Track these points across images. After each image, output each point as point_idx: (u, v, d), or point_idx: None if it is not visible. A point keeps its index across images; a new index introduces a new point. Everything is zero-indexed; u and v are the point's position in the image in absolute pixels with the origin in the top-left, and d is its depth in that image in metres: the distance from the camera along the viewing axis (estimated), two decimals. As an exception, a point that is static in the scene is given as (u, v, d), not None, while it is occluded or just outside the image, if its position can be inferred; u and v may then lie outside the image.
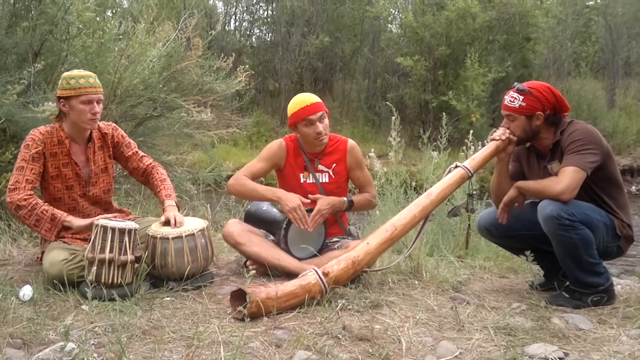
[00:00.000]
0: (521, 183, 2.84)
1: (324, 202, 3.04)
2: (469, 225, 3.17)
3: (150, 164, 3.12)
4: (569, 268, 2.79)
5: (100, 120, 2.97)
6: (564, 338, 2.35)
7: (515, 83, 2.90)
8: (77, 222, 2.78)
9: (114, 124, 3.10)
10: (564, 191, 2.63)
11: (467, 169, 2.91)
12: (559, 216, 2.64)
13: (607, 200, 2.79)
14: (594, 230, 2.67)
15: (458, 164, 2.96)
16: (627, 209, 2.84)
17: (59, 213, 2.76)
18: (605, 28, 17.30)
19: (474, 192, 3.10)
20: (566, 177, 2.65)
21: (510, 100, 2.85)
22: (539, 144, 2.90)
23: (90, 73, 2.87)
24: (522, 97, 2.81)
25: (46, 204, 2.78)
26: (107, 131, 3.03)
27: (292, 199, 2.98)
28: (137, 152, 3.12)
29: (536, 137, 2.87)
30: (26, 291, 2.52)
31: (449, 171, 2.97)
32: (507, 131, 2.88)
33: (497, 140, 2.89)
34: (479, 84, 13.12)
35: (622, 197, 2.83)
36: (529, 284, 3.12)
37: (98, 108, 2.84)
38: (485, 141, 3.99)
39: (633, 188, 12.38)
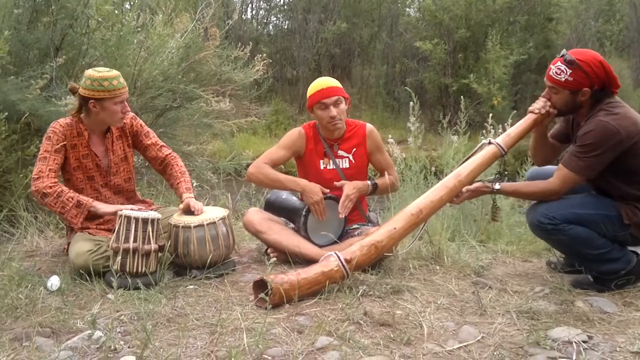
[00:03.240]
0: (506, 187, 2.78)
1: (351, 187, 3.05)
2: (495, 197, 2.99)
3: (170, 154, 3.15)
4: (579, 262, 2.77)
5: None
6: (588, 321, 2.33)
7: (564, 51, 2.64)
8: (103, 207, 2.82)
9: (132, 114, 3.13)
10: (551, 193, 2.63)
11: (501, 147, 2.77)
12: (540, 222, 2.61)
13: (623, 187, 2.63)
14: (588, 225, 2.58)
15: (492, 140, 2.82)
16: None
17: (84, 199, 2.80)
18: (630, 5, 16.94)
19: (505, 172, 2.92)
20: (558, 180, 2.62)
21: (556, 72, 2.61)
22: (578, 115, 2.73)
23: (117, 72, 2.88)
24: (570, 71, 2.57)
25: (72, 190, 2.82)
26: (125, 121, 3.06)
27: (316, 191, 3.00)
28: (156, 141, 3.14)
29: (578, 111, 2.70)
30: (54, 281, 2.58)
31: (480, 146, 2.85)
32: (548, 103, 2.72)
33: (537, 113, 2.74)
34: (501, 67, 12.95)
35: None
36: (546, 263, 3.09)
37: (128, 106, 2.91)
38: (506, 124, 3.95)
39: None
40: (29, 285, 2.51)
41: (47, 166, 2.80)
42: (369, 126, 3.26)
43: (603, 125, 2.52)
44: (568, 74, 2.58)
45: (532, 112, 2.77)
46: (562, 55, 2.62)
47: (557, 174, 2.64)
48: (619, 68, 14.64)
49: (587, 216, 2.58)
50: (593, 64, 2.57)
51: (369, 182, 3.17)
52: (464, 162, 2.88)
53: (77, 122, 2.93)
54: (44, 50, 4.27)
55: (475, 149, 2.89)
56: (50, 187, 2.75)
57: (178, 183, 3.05)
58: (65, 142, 2.87)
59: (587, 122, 2.60)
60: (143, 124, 3.15)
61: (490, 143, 2.81)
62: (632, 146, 2.52)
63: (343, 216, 3.02)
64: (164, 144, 3.19)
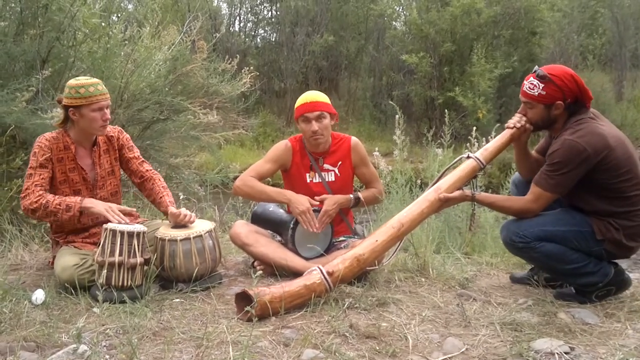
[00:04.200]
0: (484, 197, 2.83)
1: (330, 202, 3.07)
2: (474, 207, 3.02)
3: (151, 170, 3.16)
4: (556, 277, 2.83)
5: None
6: (570, 333, 2.36)
7: (536, 67, 2.70)
8: (93, 205, 2.78)
9: (119, 128, 3.14)
10: (527, 211, 2.69)
11: (479, 160, 2.82)
12: (512, 240, 2.68)
13: (595, 202, 2.66)
14: (560, 241, 2.63)
15: (470, 154, 2.87)
16: (632, 213, 2.61)
17: (72, 201, 2.78)
18: (612, 20, 17.21)
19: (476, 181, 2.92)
20: (532, 197, 2.68)
21: (529, 87, 2.68)
22: (553, 130, 2.79)
23: (97, 80, 2.90)
24: (543, 85, 2.64)
25: (57, 197, 2.80)
26: (112, 134, 3.07)
27: (302, 202, 3.01)
28: (138, 156, 3.16)
29: (553, 125, 2.75)
30: (39, 295, 2.57)
31: (459, 160, 2.91)
32: (524, 119, 2.78)
33: (512, 128, 2.80)
34: (486, 80, 13.08)
35: (623, 202, 2.61)
36: (510, 278, 3.15)
37: (108, 114, 2.89)
38: (490, 137, 4.00)
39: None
40: (14, 299, 2.49)
41: (33, 182, 2.80)
42: (354, 139, 3.29)
43: (569, 144, 2.57)
44: (541, 88, 2.65)
45: (508, 127, 2.84)
46: (535, 71, 2.69)
47: (530, 191, 2.70)
48: (601, 82, 14.91)
49: (559, 233, 2.63)
50: (565, 77, 2.64)
51: (351, 195, 3.19)
52: (442, 173, 2.96)
53: (63, 136, 2.93)
54: (30, 62, 4.26)
55: (454, 162, 2.96)
56: (36, 202, 2.75)
57: (161, 197, 3.04)
58: (50, 156, 2.86)
59: (555, 141, 2.66)
60: (129, 138, 3.15)
61: (469, 157, 2.86)
62: (600, 162, 2.56)
63: (319, 231, 3.02)
64: (146, 161, 3.19)
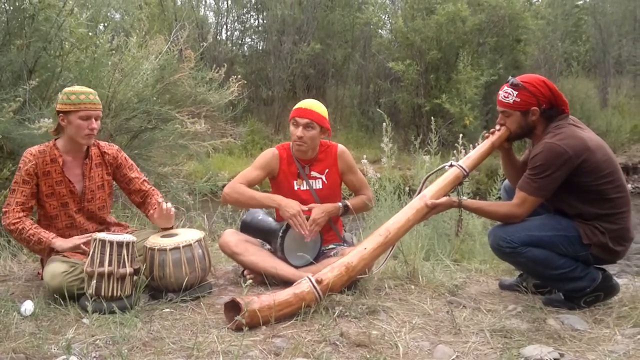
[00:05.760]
0: (471, 203, 2.87)
1: (319, 211, 3.07)
2: (461, 212, 3.02)
3: (151, 187, 3.17)
4: (544, 282, 2.85)
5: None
6: (560, 339, 2.38)
7: (510, 77, 2.81)
8: (61, 243, 2.81)
9: (117, 147, 3.14)
10: (512, 216, 2.72)
11: (462, 168, 2.87)
12: (499, 245, 2.72)
13: (579, 206, 2.70)
14: (547, 246, 2.66)
15: (453, 162, 2.92)
16: (616, 215, 2.67)
17: (44, 236, 2.80)
18: (595, 27, 17.40)
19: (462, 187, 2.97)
20: (517, 202, 2.71)
21: (504, 96, 2.78)
22: (534, 137, 2.85)
23: (91, 90, 2.91)
24: (516, 93, 2.73)
25: (34, 226, 2.83)
26: (107, 151, 3.06)
27: (292, 206, 3.01)
28: (139, 175, 3.16)
29: (532, 132, 2.82)
30: (27, 306, 2.55)
31: (442, 168, 2.96)
32: (503, 128, 2.85)
33: (489, 135, 2.89)
34: (472, 87, 13.19)
35: (606, 204, 2.66)
36: (499, 285, 3.16)
37: (95, 125, 2.88)
38: (477, 143, 4.03)
39: (629, 186, 12.41)
40: (2, 311, 2.48)
41: (15, 199, 2.85)
42: (340, 147, 3.31)
43: (550, 147, 2.63)
44: (515, 95, 2.74)
45: (485, 136, 2.94)
46: (508, 81, 2.78)
47: (516, 197, 2.74)
48: (585, 88, 15.05)
49: (545, 238, 2.67)
50: (537, 83, 2.74)
51: (340, 203, 3.20)
52: (424, 180, 3.01)
53: (51, 149, 2.92)
54: (17, 72, 4.24)
55: (437, 168, 3.02)
56: (14, 224, 2.80)
57: (154, 202, 3.04)
58: (35, 170, 2.86)
59: (536, 146, 2.72)
60: (127, 157, 3.15)
61: (452, 166, 2.91)
62: (581, 164, 2.61)
63: (309, 240, 3.04)
64: (147, 180, 3.20)
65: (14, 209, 2.82)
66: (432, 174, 3.07)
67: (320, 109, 3.17)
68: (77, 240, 2.82)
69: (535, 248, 2.66)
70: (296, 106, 3.19)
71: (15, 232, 2.81)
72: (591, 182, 2.64)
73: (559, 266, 2.67)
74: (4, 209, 2.83)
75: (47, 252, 2.82)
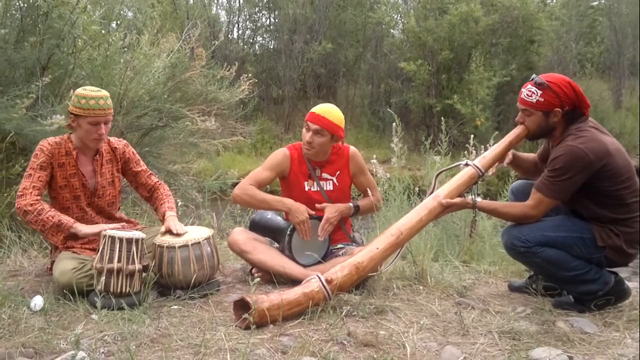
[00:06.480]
0: (485, 204, 2.84)
1: (332, 210, 3.08)
2: (475, 213, 3.00)
3: (158, 181, 3.19)
4: (556, 284, 2.82)
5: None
6: (569, 342, 2.36)
7: (534, 75, 2.74)
8: (84, 228, 2.81)
9: (125, 142, 3.15)
10: (527, 217, 2.69)
11: (478, 168, 2.83)
12: (513, 244, 2.68)
13: (596, 209, 2.68)
14: (561, 247, 2.64)
15: (469, 162, 2.88)
16: (632, 219, 2.64)
17: (66, 220, 2.79)
18: (610, 28, 17.25)
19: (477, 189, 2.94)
20: (533, 203, 2.68)
21: (527, 94, 2.71)
22: (552, 138, 2.81)
23: (103, 93, 2.88)
24: (541, 92, 2.67)
25: (53, 209, 2.83)
26: (117, 146, 3.08)
27: (302, 211, 3.03)
28: (146, 169, 3.18)
29: (551, 133, 2.77)
30: (37, 301, 2.57)
31: (457, 166, 2.93)
32: (521, 126, 2.80)
33: (508, 135, 2.85)
34: (484, 88, 13.13)
35: (623, 209, 2.63)
36: (508, 286, 3.14)
37: (104, 129, 2.88)
38: (488, 145, 4.01)
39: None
40: (12, 305, 2.50)
41: (32, 183, 2.81)
42: (352, 149, 3.30)
43: (571, 149, 2.59)
44: (539, 94, 2.68)
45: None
46: (532, 79, 2.72)
47: (531, 197, 2.71)
48: (599, 90, 14.94)
49: (560, 239, 2.64)
50: (562, 84, 2.67)
51: (351, 204, 3.20)
52: (436, 176, 2.96)
53: (66, 142, 2.95)
54: (30, 69, 4.27)
55: (450, 166, 2.99)
56: (32, 205, 2.76)
57: (162, 203, 3.07)
58: (51, 160, 2.87)
59: (557, 147, 2.68)
60: (135, 152, 3.18)
61: (467, 164, 2.87)
62: (602, 168, 2.58)
63: (322, 239, 3.05)
64: (153, 173, 3.22)
65: (31, 192, 2.78)
66: (445, 170, 3.05)
67: (335, 117, 3.12)
68: (105, 225, 2.82)
69: (549, 248, 2.63)
70: (312, 109, 3.17)
71: (32, 212, 2.75)
72: (610, 187, 2.61)
73: (572, 268, 2.64)
74: (19, 192, 2.79)
75: (61, 239, 2.79)
